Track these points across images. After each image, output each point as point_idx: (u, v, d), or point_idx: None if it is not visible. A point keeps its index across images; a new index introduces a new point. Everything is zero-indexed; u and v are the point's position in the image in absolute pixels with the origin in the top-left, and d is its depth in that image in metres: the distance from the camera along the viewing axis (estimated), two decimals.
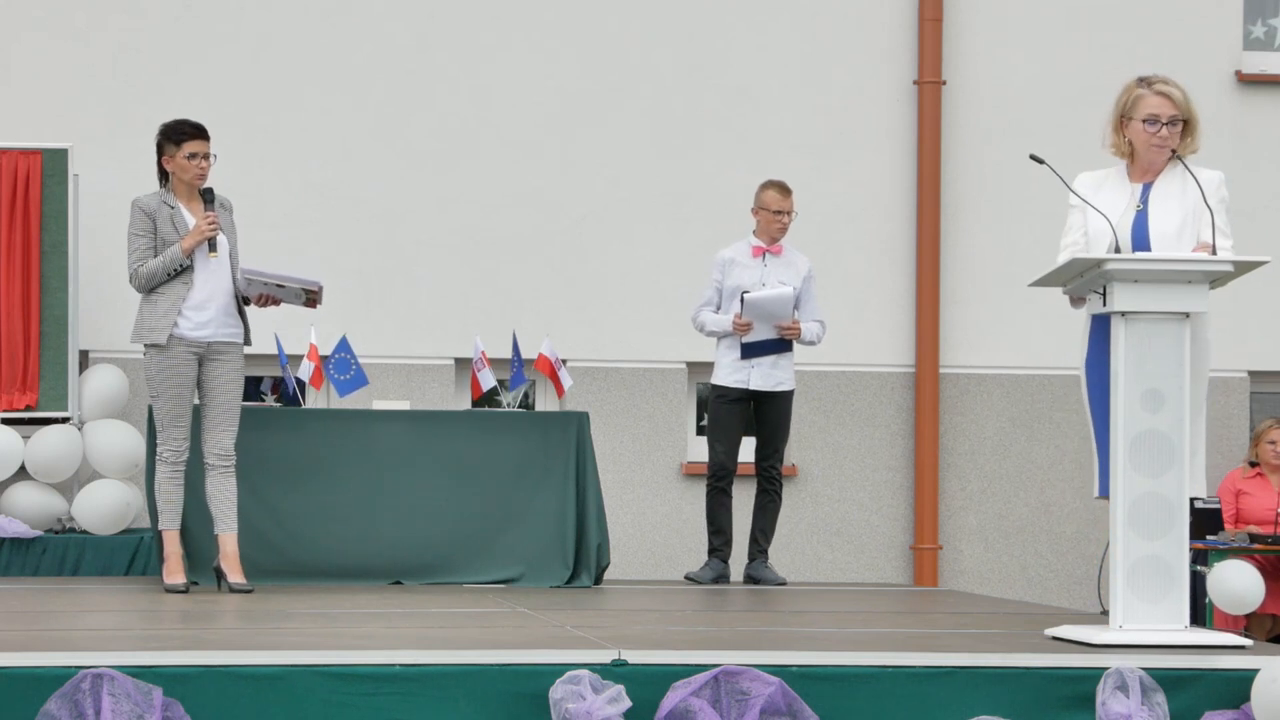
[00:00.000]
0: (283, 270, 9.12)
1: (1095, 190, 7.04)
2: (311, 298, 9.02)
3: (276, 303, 9.03)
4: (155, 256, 8.75)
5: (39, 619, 7.45)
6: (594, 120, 11.66)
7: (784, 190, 10.20)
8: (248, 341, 9.02)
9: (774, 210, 10.18)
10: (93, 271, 11.02)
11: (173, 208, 8.81)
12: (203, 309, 8.81)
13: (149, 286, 8.78)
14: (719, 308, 10.15)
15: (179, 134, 8.82)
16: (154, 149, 8.88)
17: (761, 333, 10.03)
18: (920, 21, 11.80)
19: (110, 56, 11.36)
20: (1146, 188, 7.07)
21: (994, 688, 6.07)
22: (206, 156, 8.82)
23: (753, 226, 10.28)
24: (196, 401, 9.00)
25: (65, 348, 10.65)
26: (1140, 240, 6.96)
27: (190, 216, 8.83)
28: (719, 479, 10.18)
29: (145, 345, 8.82)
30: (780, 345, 10.07)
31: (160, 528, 8.91)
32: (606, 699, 5.75)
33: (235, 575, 8.85)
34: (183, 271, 8.77)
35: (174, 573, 8.85)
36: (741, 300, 9.97)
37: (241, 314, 8.97)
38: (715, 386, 10.18)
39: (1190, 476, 6.63)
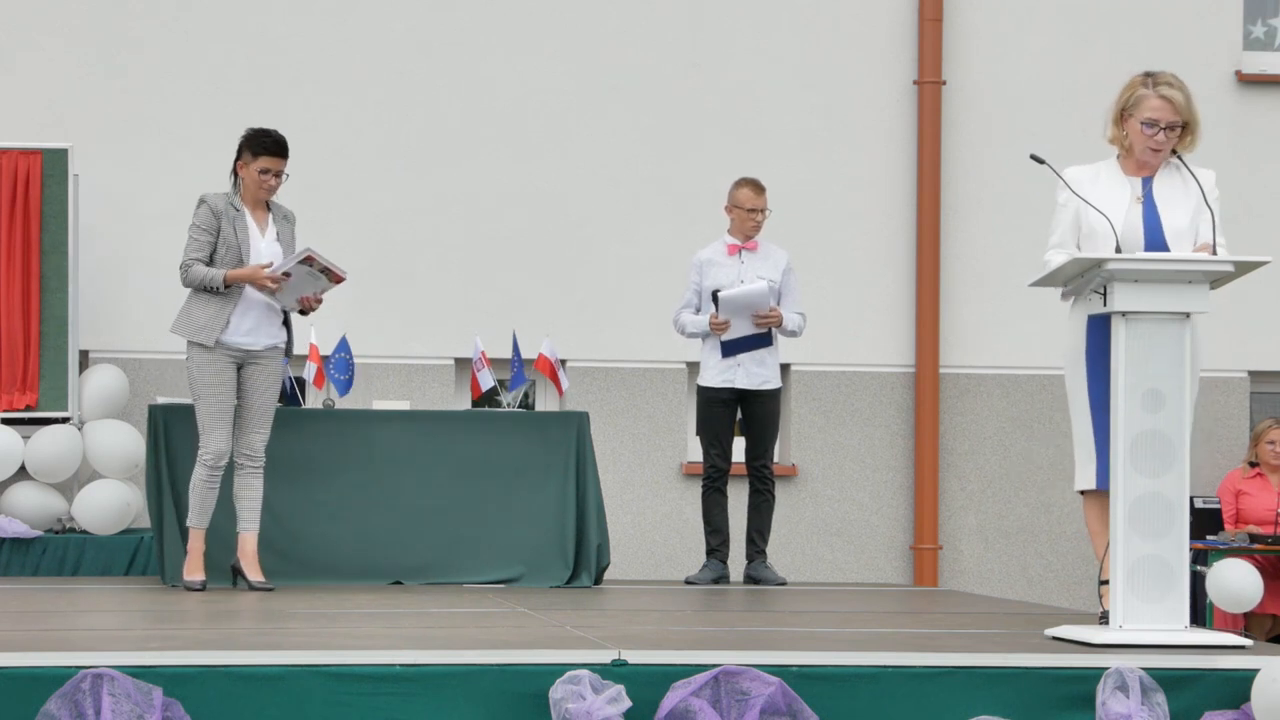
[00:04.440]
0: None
1: (1091, 185, 6.99)
2: (335, 277, 8.92)
3: (318, 300, 8.98)
4: (212, 255, 8.79)
5: (39, 619, 7.45)
6: (594, 120, 11.65)
7: (758, 188, 10.12)
8: (289, 352, 9.08)
9: (747, 208, 10.09)
10: (93, 271, 11.02)
11: (238, 210, 8.88)
12: (246, 315, 8.87)
13: (192, 288, 8.84)
14: (699, 309, 10.11)
15: (258, 146, 8.86)
16: (234, 148, 8.94)
17: (740, 329, 9.93)
18: (920, 21, 11.80)
19: (110, 56, 11.36)
20: (1147, 181, 7.04)
21: (994, 688, 6.07)
22: (278, 175, 8.89)
23: (727, 225, 10.24)
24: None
25: (65, 348, 10.64)
26: (1154, 236, 6.93)
27: (254, 224, 8.91)
28: (713, 480, 10.16)
29: (189, 342, 8.86)
30: (761, 340, 9.97)
31: (189, 524, 8.94)
32: (606, 699, 5.75)
33: (255, 574, 8.94)
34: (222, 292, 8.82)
35: (195, 570, 8.92)
36: (715, 299, 9.93)
37: (286, 322, 9.05)
38: (703, 388, 10.14)
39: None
